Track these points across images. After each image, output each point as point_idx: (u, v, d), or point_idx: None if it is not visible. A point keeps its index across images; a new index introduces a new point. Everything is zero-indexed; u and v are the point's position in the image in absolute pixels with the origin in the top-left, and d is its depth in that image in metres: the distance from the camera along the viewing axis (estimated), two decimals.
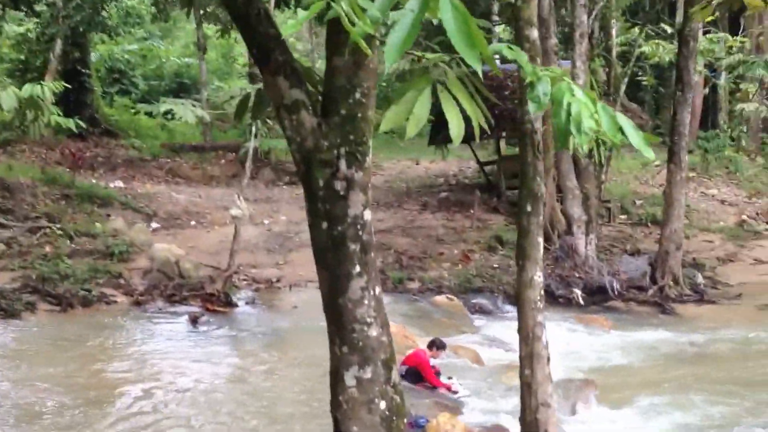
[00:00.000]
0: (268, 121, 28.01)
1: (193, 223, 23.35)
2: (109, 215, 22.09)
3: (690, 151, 31.29)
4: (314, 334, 15.73)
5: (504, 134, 26.90)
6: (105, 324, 16.15)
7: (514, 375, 13.61)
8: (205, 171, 28.93)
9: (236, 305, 17.71)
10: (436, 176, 29.80)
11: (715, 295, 19.89)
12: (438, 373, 13.01)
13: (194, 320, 16.41)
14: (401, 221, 23.87)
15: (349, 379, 5.42)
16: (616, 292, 19.19)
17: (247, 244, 19.42)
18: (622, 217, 25.22)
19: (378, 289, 5.50)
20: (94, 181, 25.17)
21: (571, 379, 13.24)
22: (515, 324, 17.09)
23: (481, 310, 18.51)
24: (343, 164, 5.29)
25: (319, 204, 5.33)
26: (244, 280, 19.32)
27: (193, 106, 19.09)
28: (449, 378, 13.06)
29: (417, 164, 31.80)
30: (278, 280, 19.79)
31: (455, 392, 12.74)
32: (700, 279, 20.40)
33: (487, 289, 19.55)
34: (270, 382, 13.01)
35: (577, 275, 19.52)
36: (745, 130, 32.16)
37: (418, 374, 12.85)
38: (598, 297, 19.15)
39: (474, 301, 18.87)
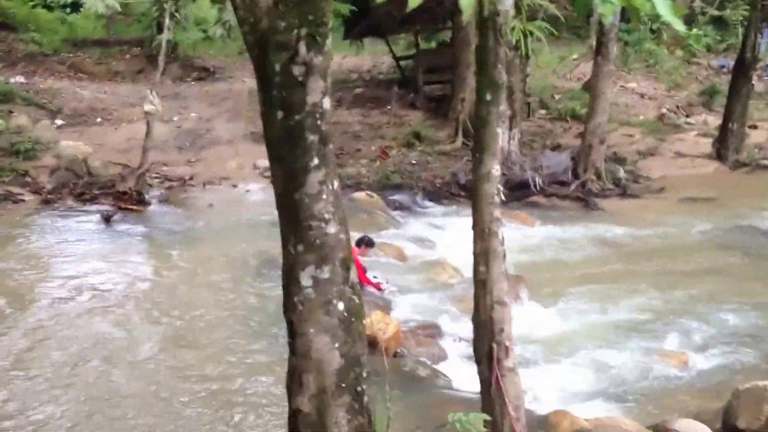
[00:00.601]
0: (176, 14, 27.11)
1: (99, 120, 22.51)
2: (11, 112, 21.08)
3: None
4: (230, 232, 15.64)
5: (419, 27, 26.23)
6: (13, 223, 15.45)
7: (441, 271, 13.78)
8: (109, 66, 27.82)
9: (149, 204, 17.14)
10: (350, 71, 29.16)
11: (638, 189, 19.99)
12: (365, 270, 12.78)
13: (107, 219, 15.77)
14: None
15: (305, 279, 5.09)
16: (538, 188, 19.13)
17: (156, 142, 18.66)
18: (542, 111, 25.16)
19: (336, 183, 5.17)
20: None
21: None
22: (435, 220, 17.50)
23: (401, 207, 18.26)
24: (302, 47, 4.87)
25: (274, 91, 4.92)
26: (156, 178, 18.71)
27: None
28: (374, 277, 12.83)
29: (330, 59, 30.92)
30: (191, 178, 19.26)
31: (383, 290, 12.52)
32: (621, 173, 20.42)
33: (406, 186, 19.34)
34: (187, 284, 12.49)
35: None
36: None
37: None
38: (519, 193, 19.01)
39: (393, 197, 18.59)
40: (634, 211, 18.22)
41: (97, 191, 17.36)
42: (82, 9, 35.34)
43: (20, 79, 24.75)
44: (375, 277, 12.82)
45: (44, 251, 13.85)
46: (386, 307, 11.68)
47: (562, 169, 19.89)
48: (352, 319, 5.21)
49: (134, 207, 16.68)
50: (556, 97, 26.31)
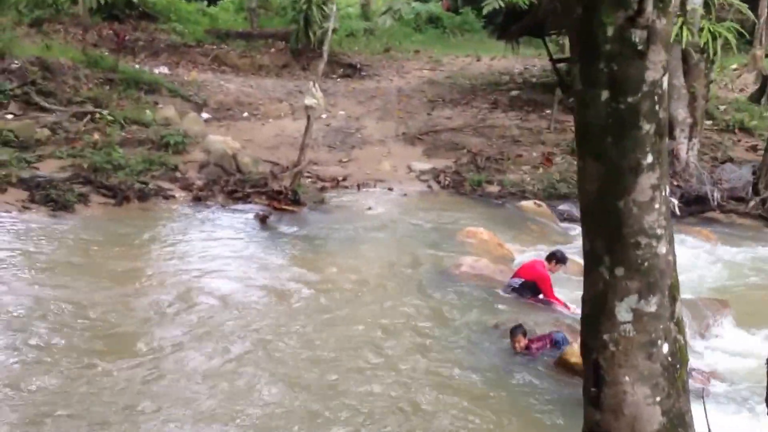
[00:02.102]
0: (323, 7, 26.48)
1: (245, 114, 21.87)
2: (156, 103, 20.59)
3: (767, 55, 29.62)
4: (393, 239, 14.61)
5: None
6: (165, 220, 14.77)
7: None
8: (253, 60, 27.25)
9: (305, 205, 16.20)
10: (500, 73, 27.98)
11: None
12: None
13: (263, 219, 14.95)
14: (471, 120, 22.29)
15: (623, 311, 3.96)
16: (716, 203, 17.60)
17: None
18: (707, 122, 23.45)
19: (668, 190, 4.02)
20: (137, 66, 23.53)
21: (701, 299, 11.77)
22: None
23: (570, 218, 16.94)
24: (648, 4, 3.75)
25: (601, 64, 3.80)
26: (308, 177, 17.82)
27: None
28: None
29: (478, 60, 29.96)
30: (344, 179, 18.36)
31: (572, 310, 11.30)
32: None
33: (572, 196, 17.98)
34: (355, 293, 11.51)
35: (675, 183, 17.90)
36: None
37: (534, 289, 11.42)
38: (695, 207, 17.60)
39: (561, 207, 17.32)
40: None
41: (250, 189, 16.55)
42: (220, 2, 35.35)
43: (164, 69, 24.39)
44: None
45: (201, 251, 13.04)
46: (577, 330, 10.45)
47: (741, 185, 18.27)
48: (677, 366, 4.05)
49: (290, 207, 15.81)
50: (721, 107, 24.51)
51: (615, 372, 3.97)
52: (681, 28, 17.40)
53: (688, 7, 17.64)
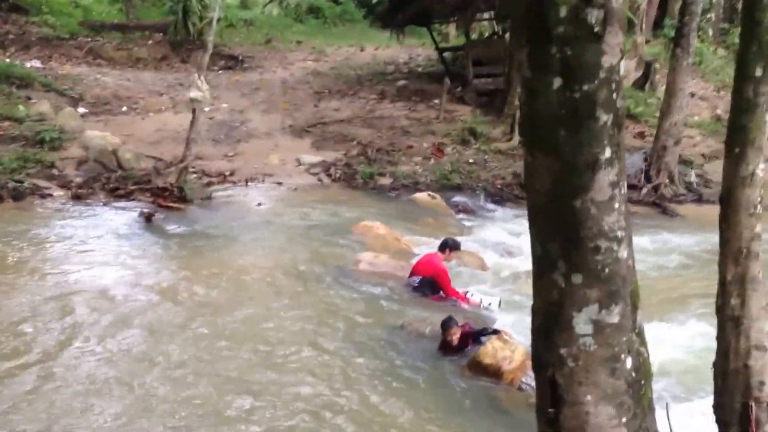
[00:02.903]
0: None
1: (124, 108, 20.95)
2: (29, 98, 19.47)
3: (647, 41, 30.12)
4: (285, 235, 14.00)
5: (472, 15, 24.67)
6: (43, 220, 13.79)
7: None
8: (130, 52, 26.18)
9: (191, 201, 15.44)
10: (386, 63, 27.63)
11: (712, 195, 18.41)
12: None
13: (148, 218, 14.11)
14: (359, 111, 21.86)
15: (583, 323, 3.56)
16: None
17: (186, 133, 17.12)
18: None
19: (625, 188, 3.61)
20: (7, 60, 22.26)
21: None
22: (506, 225, 15.88)
23: (465, 210, 16.72)
24: None
25: (552, 48, 3.36)
26: (193, 173, 17.04)
27: None
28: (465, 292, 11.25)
29: (362, 50, 29.54)
30: (231, 174, 17.69)
31: (475, 305, 10.92)
32: (693, 177, 18.94)
33: (466, 187, 17.80)
34: (245, 294, 10.80)
35: None
36: (712, 18, 30.73)
37: (433, 286, 11.00)
38: None
39: (455, 199, 17.03)
40: (716, 219, 16.54)
41: (133, 186, 15.73)
42: None
43: (36, 63, 23.21)
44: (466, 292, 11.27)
45: (82, 251, 12.15)
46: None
47: (633, 172, 18.26)
48: (642, 382, 3.65)
49: (175, 205, 15.05)
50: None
51: (575, 390, 3.55)
52: None
53: None
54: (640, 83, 25.45)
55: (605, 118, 3.37)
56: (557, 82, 3.37)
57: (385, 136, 20.04)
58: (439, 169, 18.33)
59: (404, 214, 15.57)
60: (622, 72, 3.47)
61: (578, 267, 3.48)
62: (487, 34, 28.13)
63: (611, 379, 3.52)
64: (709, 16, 30.62)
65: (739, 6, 30.15)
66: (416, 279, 11.09)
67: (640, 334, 3.66)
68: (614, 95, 3.39)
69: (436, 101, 22.19)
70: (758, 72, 4.79)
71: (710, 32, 30.32)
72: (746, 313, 4.86)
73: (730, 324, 4.91)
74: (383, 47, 29.93)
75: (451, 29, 31.86)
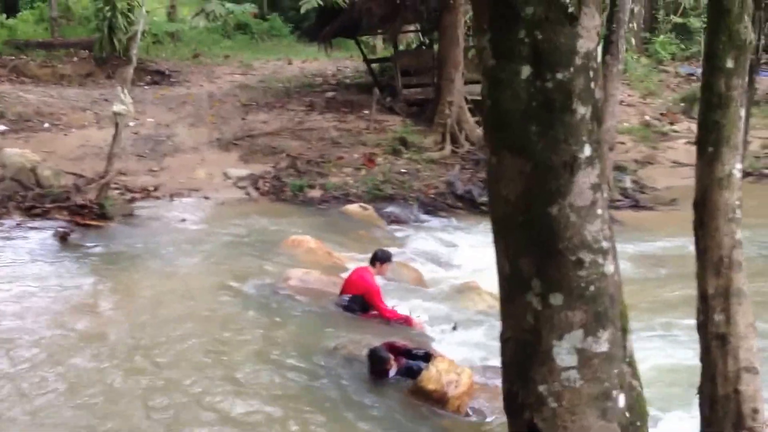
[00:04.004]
0: (129, 14, 24.69)
1: (47, 125, 19.83)
2: None
3: None
4: (210, 251, 13.13)
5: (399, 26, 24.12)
6: None
7: (476, 298, 11.48)
8: (55, 69, 25.05)
9: (112, 218, 14.47)
10: (314, 75, 26.88)
11: (648, 201, 18.04)
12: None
13: (63, 237, 13.16)
14: (288, 123, 21.03)
15: (565, 353, 2.88)
16: None
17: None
18: None
19: (606, 191, 2.91)
20: None
21: None
22: (440, 235, 15.21)
23: (397, 220, 16.07)
24: None
25: (521, 32, 2.65)
26: (116, 188, 16.06)
27: None
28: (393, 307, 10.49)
29: (290, 64, 28.78)
30: (156, 189, 16.77)
31: (415, 325, 10.16)
32: (628, 183, 18.53)
33: (398, 197, 17.12)
34: (165, 316, 9.95)
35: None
36: (634, 27, 30.62)
37: (364, 303, 10.21)
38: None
39: (387, 210, 16.34)
40: (657, 224, 16.18)
41: (50, 204, 14.73)
42: (19, 13, 32.82)
43: None
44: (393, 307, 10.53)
45: None
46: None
47: None
48: (638, 423, 2.94)
49: (95, 222, 14.09)
50: None
51: None
52: None
53: None
54: None
55: (583, 110, 2.72)
56: (526, 71, 2.72)
57: (314, 147, 19.29)
58: (370, 179, 17.65)
59: (335, 227, 14.84)
60: (599, 58, 2.80)
61: (557, 285, 2.80)
62: (414, 45, 27.59)
63: (602, 421, 2.85)
64: (630, 25, 30.45)
65: (659, 16, 30.25)
66: (346, 297, 10.31)
67: (632, 364, 3.00)
68: (592, 84, 2.76)
69: (366, 112, 21.53)
70: (729, 63, 4.21)
71: (633, 41, 30.17)
72: (732, 331, 4.24)
73: (715, 343, 4.28)
74: (311, 60, 29.34)
75: (378, 41, 31.31)
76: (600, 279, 2.80)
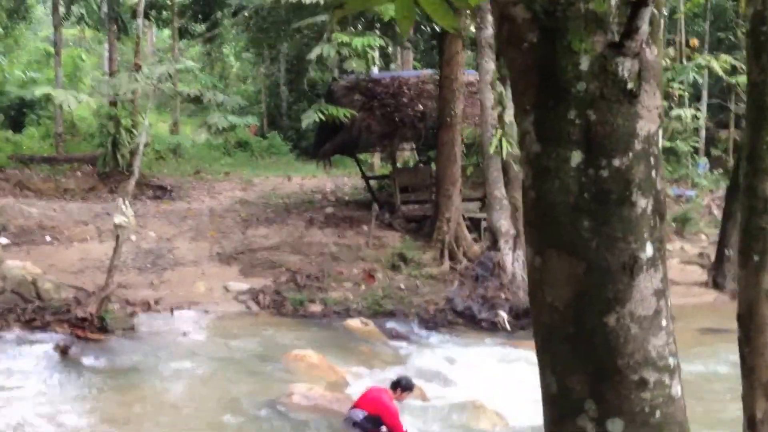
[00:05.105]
0: (133, 131, 24.79)
1: (48, 238, 19.54)
2: None
3: None
4: (210, 366, 12.72)
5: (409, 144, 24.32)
6: None
7: (480, 416, 11.01)
8: (58, 184, 25.02)
9: (112, 332, 14.05)
10: (313, 192, 26.83)
11: None
12: None
13: (63, 350, 12.70)
14: (288, 237, 20.75)
15: None
16: None
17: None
18: None
19: (671, 299, 2.58)
20: None
21: None
22: (441, 351, 14.75)
23: (398, 336, 15.60)
24: (640, 23, 2.40)
25: (571, 112, 2.38)
26: (116, 302, 15.66)
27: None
28: None
29: (289, 180, 28.77)
30: (156, 303, 16.33)
31: None
32: None
33: (399, 312, 16.71)
34: None
35: (503, 296, 16.87)
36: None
37: (377, 423, 9.73)
38: (525, 321, 16.43)
39: (388, 325, 15.92)
40: None
41: (50, 317, 14.32)
42: (25, 129, 33.09)
43: None
44: None
45: None
46: None
47: None
48: None
49: (95, 336, 13.66)
50: None
51: None
52: (500, 140, 16.72)
53: (506, 120, 17.00)
54: None
55: (643, 203, 2.39)
56: (577, 158, 2.38)
57: (314, 262, 18.97)
58: (370, 295, 17.28)
59: (337, 342, 14.40)
60: (660, 144, 2.51)
61: (617, 410, 2.42)
62: (411, 163, 27.69)
63: None
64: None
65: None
66: (360, 413, 9.81)
67: None
68: (653, 173, 2.42)
69: (365, 227, 21.31)
70: None
71: None
72: None
73: None
74: (309, 177, 29.44)
75: (376, 159, 31.48)
76: (667, 403, 2.43)
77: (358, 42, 17.99)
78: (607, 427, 2.42)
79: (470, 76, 22.39)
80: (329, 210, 23.75)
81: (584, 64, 2.35)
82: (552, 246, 2.47)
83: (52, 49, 34.22)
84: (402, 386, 10.09)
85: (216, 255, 19.42)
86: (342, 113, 18.25)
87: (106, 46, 35.25)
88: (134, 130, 24.93)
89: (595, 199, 2.37)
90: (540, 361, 2.63)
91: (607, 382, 2.42)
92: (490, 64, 17.68)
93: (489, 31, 16.79)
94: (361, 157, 27.78)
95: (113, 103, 26.24)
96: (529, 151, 2.51)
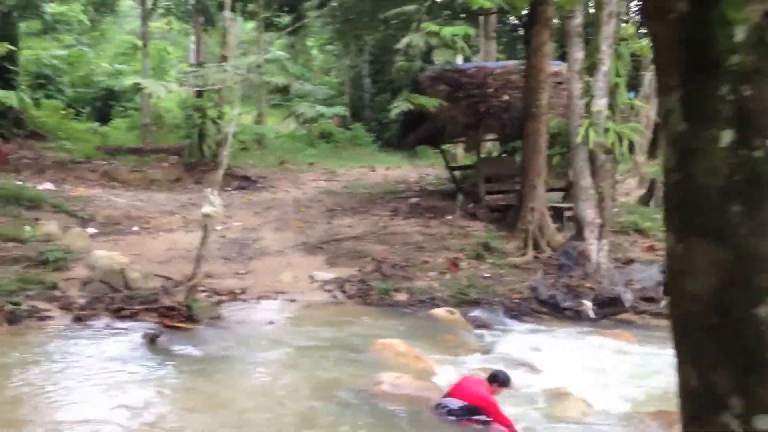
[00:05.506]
0: (218, 121, 24.96)
1: (135, 228, 19.76)
2: (38, 219, 18.32)
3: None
4: (300, 356, 12.59)
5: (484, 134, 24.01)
6: (37, 345, 12.39)
7: (568, 405, 10.67)
8: (145, 175, 25.34)
9: (200, 321, 14.04)
10: (396, 182, 26.75)
11: None
12: None
13: (152, 339, 12.70)
14: (372, 227, 20.67)
15: None
16: (629, 304, 16.17)
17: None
18: None
19: None
20: (20, 183, 21.28)
21: (649, 413, 10.07)
22: (526, 340, 14.39)
23: (483, 325, 15.32)
24: None
25: (723, 88, 2.08)
26: (203, 291, 15.70)
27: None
28: None
29: (373, 171, 28.71)
30: (243, 292, 16.33)
31: None
32: None
33: (483, 301, 16.43)
34: (260, 428, 9.37)
35: (587, 285, 16.48)
36: None
37: (475, 412, 9.46)
38: (609, 309, 16.14)
39: (473, 314, 15.65)
40: None
41: (138, 306, 14.38)
42: (111, 121, 33.60)
43: (49, 186, 22.26)
44: None
45: (78, 378, 10.77)
46: None
47: (652, 285, 16.93)
48: None
49: (183, 325, 13.66)
50: (614, 210, 23.65)
51: None
52: (587, 129, 16.31)
53: (593, 109, 16.59)
54: (645, 200, 24.57)
55: None
56: (728, 137, 2.11)
57: (399, 251, 18.81)
58: (455, 284, 17.04)
59: (423, 331, 14.18)
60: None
61: (765, 406, 2.14)
62: (495, 154, 27.34)
63: None
64: None
65: None
66: (456, 402, 9.54)
67: None
68: None
69: (449, 217, 21.11)
70: None
71: None
72: None
73: None
74: (393, 168, 29.27)
75: (459, 150, 31.20)
76: None
77: (447, 32, 17.72)
78: (755, 424, 2.16)
79: (554, 66, 22.00)
80: (414, 200, 23.61)
81: (739, 35, 2.09)
82: (696, 233, 2.21)
83: (138, 42, 34.83)
84: (499, 381, 9.82)
85: (301, 245, 19.40)
86: (431, 103, 17.98)
87: (192, 38, 35.61)
88: (220, 121, 25.09)
89: (746, 182, 2.11)
90: (678, 354, 2.38)
91: (755, 376, 2.15)
92: (578, 53, 17.31)
93: (578, 19, 16.37)
94: (445, 147, 27.59)
95: (199, 95, 26.48)
96: (673, 131, 2.25)
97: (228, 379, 11.12)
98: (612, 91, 17.22)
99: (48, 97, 34.05)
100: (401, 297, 16.47)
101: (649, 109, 24.82)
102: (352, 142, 37.29)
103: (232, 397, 10.29)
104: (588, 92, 16.92)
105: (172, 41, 46.07)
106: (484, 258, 18.51)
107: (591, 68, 17.08)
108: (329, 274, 17.44)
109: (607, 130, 16.73)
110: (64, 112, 32.55)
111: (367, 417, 9.53)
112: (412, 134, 23.97)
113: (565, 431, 9.75)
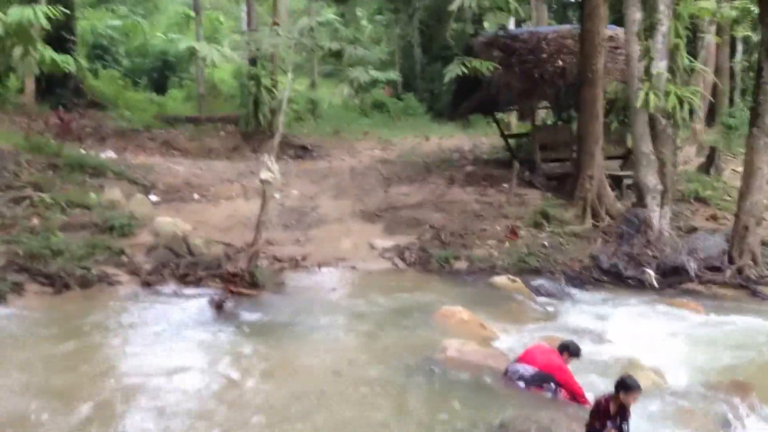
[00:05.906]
0: (273, 90, 24.86)
1: (196, 196, 19.87)
2: (102, 186, 18.44)
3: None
4: (366, 321, 12.42)
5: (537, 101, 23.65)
6: (110, 309, 12.53)
7: (640, 375, 10.43)
8: (202, 143, 25.37)
9: (263, 287, 14.04)
10: (451, 151, 26.57)
11: None
12: None
13: (219, 305, 12.74)
14: (430, 195, 20.56)
15: None
16: (693, 273, 15.77)
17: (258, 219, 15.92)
18: None
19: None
20: (83, 151, 21.44)
21: (717, 383, 9.80)
22: (591, 309, 14.04)
23: (546, 293, 15.09)
24: None
25: None
26: (264, 258, 15.69)
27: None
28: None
29: (427, 140, 28.54)
30: (304, 259, 16.33)
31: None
32: None
33: (544, 270, 16.22)
34: (329, 392, 9.25)
35: (650, 253, 16.13)
36: None
37: (547, 381, 9.28)
38: (673, 278, 15.75)
39: (535, 282, 15.42)
40: None
41: (203, 272, 14.45)
42: (168, 92, 33.67)
43: (111, 154, 22.42)
44: None
45: (151, 342, 10.87)
46: None
47: (716, 253, 16.50)
48: None
49: (247, 291, 13.67)
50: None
51: None
52: (647, 93, 15.91)
53: (653, 72, 16.15)
54: (705, 168, 23.99)
55: None
56: None
57: (457, 219, 18.63)
58: (515, 252, 16.83)
59: (484, 299, 14.02)
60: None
61: None
62: (549, 121, 26.94)
63: None
64: None
65: None
66: (528, 368, 9.35)
67: None
68: None
69: (505, 185, 20.88)
70: None
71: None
72: None
73: None
74: (447, 137, 29.10)
75: (512, 118, 30.82)
76: None
77: None
78: None
79: (609, 31, 21.53)
80: (469, 168, 23.41)
81: None
82: None
83: (191, 12, 34.75)
84: (570, 351, 9.58)
85: (359, 212, 19.34)
86: (485, 66, 17.63)
87: (244, 7, 35.45)
88: (274, 90, 25.03)
89: None
90: None
91: None
92: (636, 14, 16.88)
93: None
94: (498, 116, 27.27)
95: (252, 63, 26.40)
96: None
97: (296, 345, 11.07)
98: (672, 53, 16.69)
99: (105, 67, 34.16)
100: (461, 265, 16.34)
101: (708, 74, 24.13)
102: (404, 112, 37.03)
103: (302, 363, 10.25)
104: (647, 54, 16.46)
105: (224, 11, 45.96)
106: (543, 226, 18.25)
107: (649, 29, 16.61)
108: (388, 242, 17.33)
109: (667, 94, 16.23)
110: (121, 82, 32.66)
111: (435, 383, 9.43)
112: (466, 102, 23.65)
113: (638, 402, 9.53)
